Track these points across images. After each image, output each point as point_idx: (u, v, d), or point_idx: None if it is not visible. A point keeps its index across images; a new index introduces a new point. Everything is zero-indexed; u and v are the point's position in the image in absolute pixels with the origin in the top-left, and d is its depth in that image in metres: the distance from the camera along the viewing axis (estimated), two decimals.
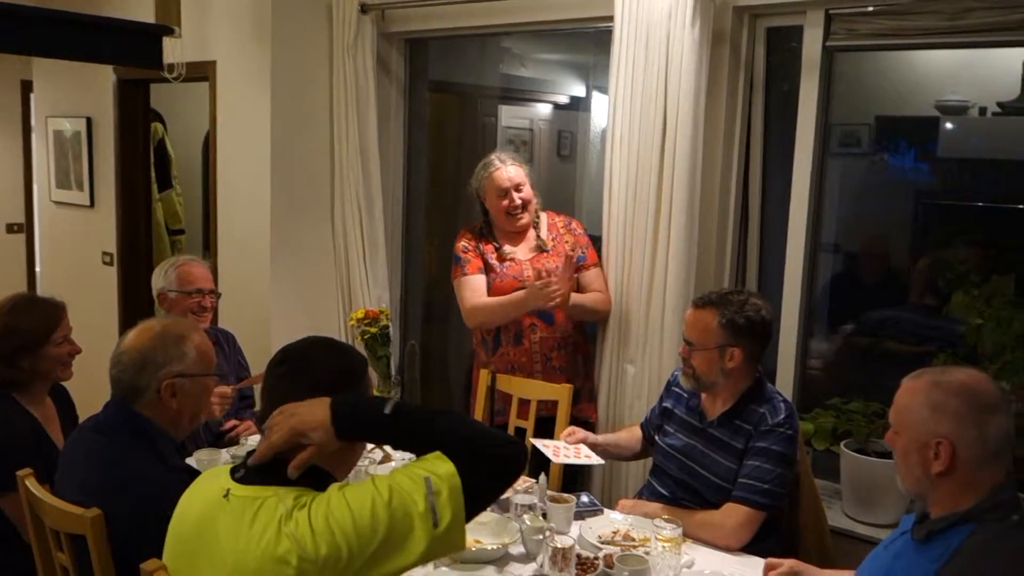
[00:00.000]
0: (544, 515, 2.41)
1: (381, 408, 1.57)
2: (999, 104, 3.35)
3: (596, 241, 3.40)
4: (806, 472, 2.64)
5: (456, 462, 1.50)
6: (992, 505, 1.60)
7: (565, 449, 2.63)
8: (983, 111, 3.66)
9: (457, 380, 4.65)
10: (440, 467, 1.51)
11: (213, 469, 1.75)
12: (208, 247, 4.50)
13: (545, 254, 3.30)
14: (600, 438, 2.79)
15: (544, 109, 5.35)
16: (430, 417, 1.59)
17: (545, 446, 2.63)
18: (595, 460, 2.63)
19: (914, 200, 4.04)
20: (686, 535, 2.26)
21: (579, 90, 5.25)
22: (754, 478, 2.36)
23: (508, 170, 3.26)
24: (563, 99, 5.31)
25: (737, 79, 3.18)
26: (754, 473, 2.37)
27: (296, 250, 3.93)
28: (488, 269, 3.28)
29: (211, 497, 1.59)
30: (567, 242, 3.33)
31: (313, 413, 1.54)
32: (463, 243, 3.32)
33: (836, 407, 3.02)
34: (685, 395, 2.64)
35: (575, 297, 3.15)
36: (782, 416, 2.42)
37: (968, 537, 1.58)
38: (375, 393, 3.74)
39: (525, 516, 2.30)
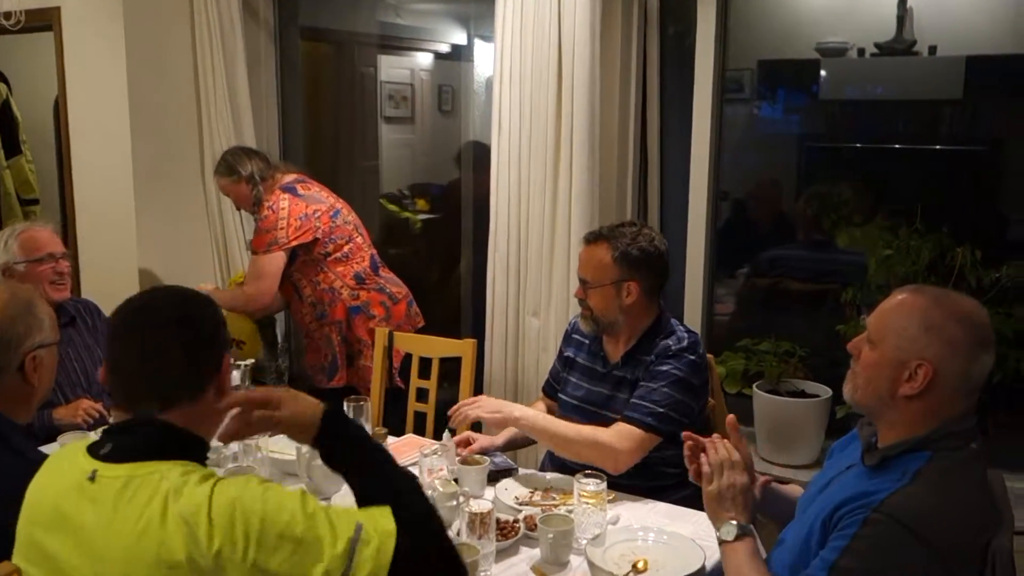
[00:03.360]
0: (455, 480, 2.24)
1: (367, 439, 1.50)
2: (876, 45, 3.33)
3: (484, 198, 3.21)
4: (721, 408, 2.57)
5: (402, 529, 1.30)
6: (949, 433, 1.52)
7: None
8: (861, 52, 3.71)
9: None
10: (382, 522, 1.31)
11: (62, 450, 1.50)
12: (66, 216, 4.10)
13: None
14: (501, 439, 2.51)
15: (425, 59, 5.10)
16: (402, 472, 1.45)
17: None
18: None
19: (797, 144, 4.07)
20: (572, 455, 2.21)
21: (460, 38, 5.03)
22: (651, 400, 2.24)
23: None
24: (444, 47, 5.08)
25: (631, 17, 3.03)
26: (651, 395, 2.25)
27: (165, 213, 3.61)
28: None
29: (70, 483, 1.35)
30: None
31: (308, 413, 1.45)
32: None
33: (746, 348, 2.95)
34: (586, 341, 2.50)
35: None
36: (685, 343, 2.31)
37: (926, 464, 1.49)
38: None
39: (435, 481, 2.12)
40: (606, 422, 2.35)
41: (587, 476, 2.02)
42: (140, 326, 1.42)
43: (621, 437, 2.23)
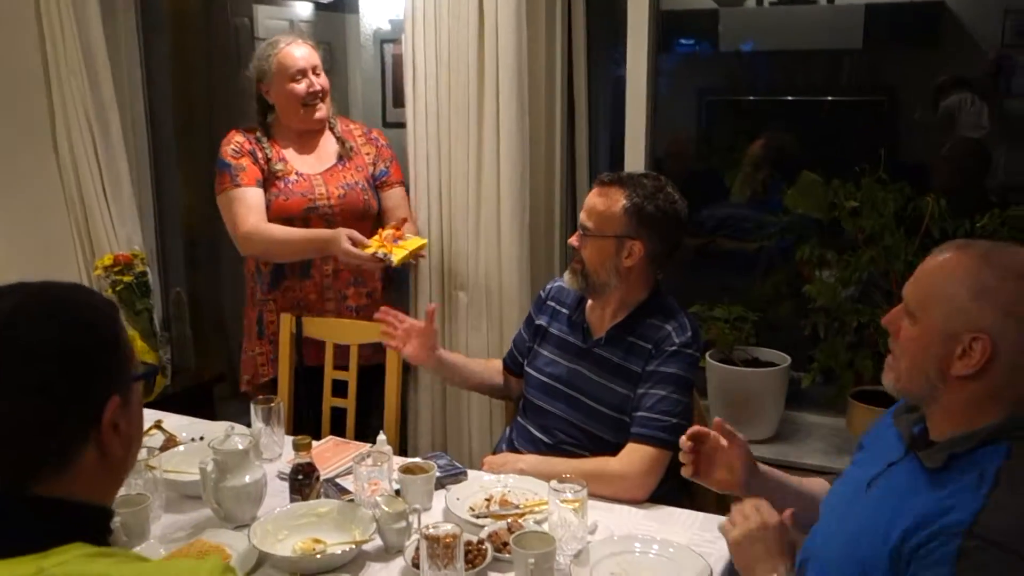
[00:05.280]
0: (397, 491, 1.88)
1: None
2: None
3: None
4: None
5: None
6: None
7: None
8: (760, 1, 3.55)
9: (236, 331, 3.95)
10: None
11: None
12: None
13: (342, 167, 2.68)
14: (446, 355, 2.28)
15: (304, 10, 4.61)
16: None
17: None
18: None
19: (697, 97, 3.92)
20: None
21: None
22: (660, 411, 1.94)
23: (300, 49, 2.61)
24: None
25: None
26: (660, 405, 1.94)
27: (10, 188, 3.03)
28: (268, 182, 2.60)
29: None
30: (367, 154, 2.73)
31: None
32: (233, 146, 2.62)
33: (697, 315, 2.68)
34: (564, 310, 2.17)
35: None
36: (689, 335, 2.01)
37: (1006, 460, 1.22)
38: (140, 360, 3.00)
39: (378, 498, 1.76)
40: (577, 407, 2.04)
41: (562, 481, 1.70)
42: None
43: (633, 461, 1.92)
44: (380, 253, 2.45)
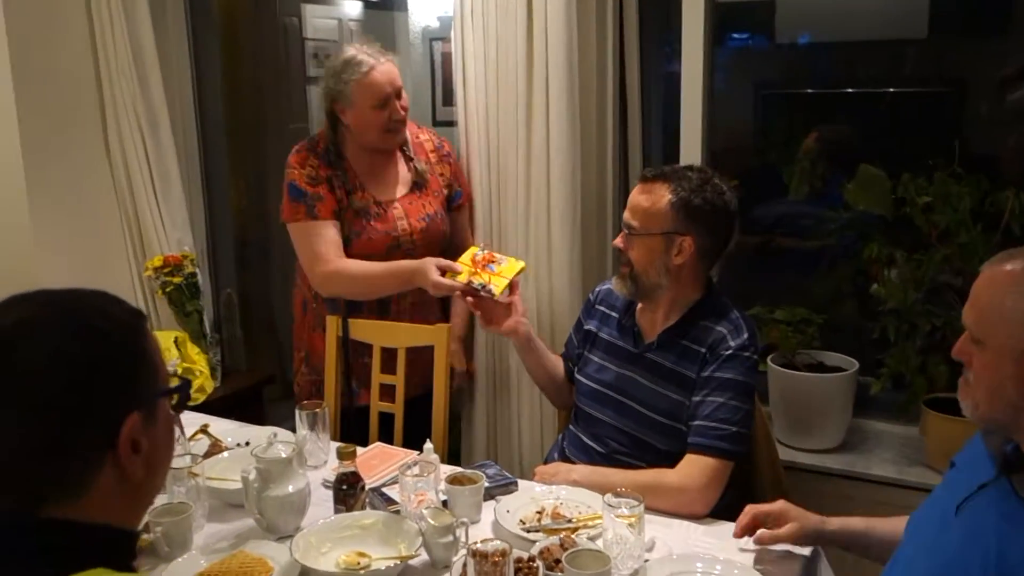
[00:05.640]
0: (444, 503, 1.81)
1: None
2: None
3: None
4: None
5: None
6: None
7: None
8: None
9: (287, 333, 3.92)
10: None
11: None
12: None
13: (419, 194, 2.51)
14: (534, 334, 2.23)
15: (354, 8, 4.58)
16: None
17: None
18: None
19: (753, 91, 3.81)
20: None
21: None
22: (719, 419, 1.84)
23: (382, 70, 2.39)
24: None
25: None
26: (718, 413, 1.84)
27: (63, 188, 3.03)
28: (346, 215, 2.42)
29: None
30: (440, 175, 2.57)
31: None
32: (308, 171, 2.43)
33: (758, 318, 2.57)
34: (615, 314, 2.08)
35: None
36: (746, 336, 1.91)
37: None
38: (182, 368, 2.97)
39: (424, 511, 1.69)
40: (629, 414, 1.95)
41: (617, 495, 1.61)
42: None
43: (692, 473, 1.82)
44: (477, 283, 2.18)
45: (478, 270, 2.20)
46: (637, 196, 1.94)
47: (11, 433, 0.90)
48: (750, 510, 1.65)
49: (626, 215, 1.96)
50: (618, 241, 1.97)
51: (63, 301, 0.97)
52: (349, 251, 2.41)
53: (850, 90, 3.68)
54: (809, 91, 3.82)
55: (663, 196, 1.89)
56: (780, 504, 1.64)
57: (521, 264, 2.26)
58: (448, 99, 3.90)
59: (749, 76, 3.77)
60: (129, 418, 0.94)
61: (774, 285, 3.17)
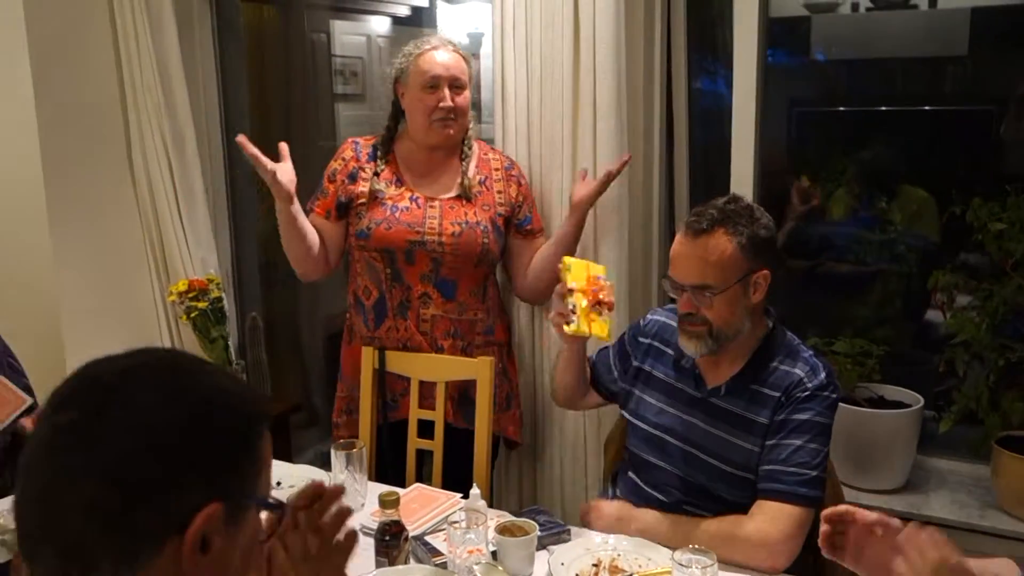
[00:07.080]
0: (494, 554, 1.67)
1: None
2: None
3: None
4: None
5: None
6: None
7: None
8: (855, 7, 3.32)
9: (314, 358, 3.81)
10: None
11: None
12: None
13: (465, 201, 2.36)
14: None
15: (382, 25, 4.48)
16: None
17: None
18: None
19: (787, 109, 3.70)
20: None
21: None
22: (798, 463, 1.70)
23: (443, 55, 2.33)
24: (403, 10, 4.47)
25: None
26: (796, 456, 1.70)
27: (84, 206, 2.93)
28: (367, 204, 2.34)
29: None
30: (499, 192, 2.40)
31: None
32: (338, 163, 2.41)
33: (816, 349, 2.43)
34: (670, 351, 1.93)
35: None
36: (823, 376, 1.77)
37: None
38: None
39: (476, 566, 1.55)
40: (694, 464, 1.81)
41: (688, 552, 1.47)
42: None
43: (773, 523, 1.67)
44: (592, 336, 1.88)
45: (592, 316, 1.87)
46: (696, 252, 1.75)
47: (66, 493, 0.79)
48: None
49: (690, 277, 1.77)
50: (686, 306, 1.79)
51: (182, 364, 0.89)
52: (369, 242, 2.33)
53: (885, 108, 3.58)
54: (843, 109, 3.72)
55: (727, 242, 1.74)
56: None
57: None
58: (479, 115, 3.79)
59: (784, 93, 3.66)
60: (208, 505, 0.80)
61: (821, 312, 3.03)
